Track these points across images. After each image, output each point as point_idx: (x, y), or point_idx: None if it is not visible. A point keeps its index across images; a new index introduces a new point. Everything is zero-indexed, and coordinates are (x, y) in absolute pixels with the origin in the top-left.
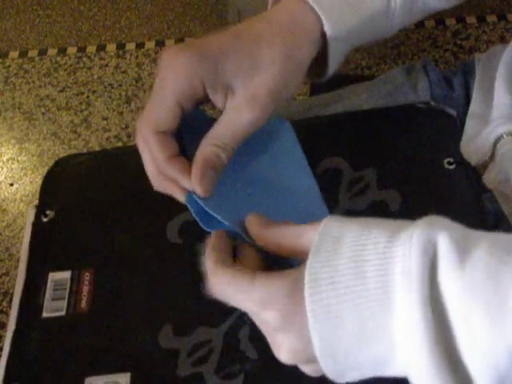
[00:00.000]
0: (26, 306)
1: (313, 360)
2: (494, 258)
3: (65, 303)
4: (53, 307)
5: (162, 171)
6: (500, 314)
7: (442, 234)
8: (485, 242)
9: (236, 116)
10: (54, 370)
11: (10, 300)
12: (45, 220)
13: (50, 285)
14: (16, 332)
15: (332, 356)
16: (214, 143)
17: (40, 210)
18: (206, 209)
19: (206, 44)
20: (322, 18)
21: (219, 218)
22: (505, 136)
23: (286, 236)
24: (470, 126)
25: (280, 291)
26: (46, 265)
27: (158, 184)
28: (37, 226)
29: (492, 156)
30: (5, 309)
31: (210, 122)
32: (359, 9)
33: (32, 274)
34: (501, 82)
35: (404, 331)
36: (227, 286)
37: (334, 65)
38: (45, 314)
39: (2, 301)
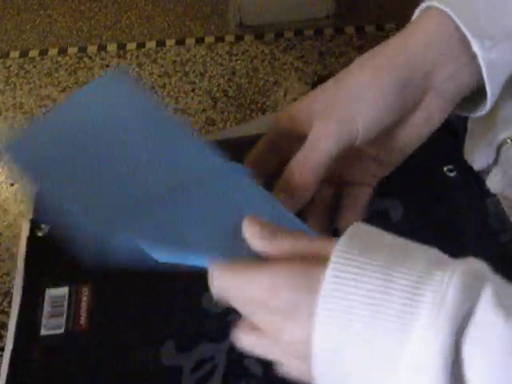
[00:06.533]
0: (23, 325)
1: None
2: None
3: (63, 320)
4: (51, 324)
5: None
6: None
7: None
8: None
9: None
10: None
11: (11, 300)
12: (39, 234)
13: (47, 301)
14: (14, 352)
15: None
16: None
17: (34, 224)
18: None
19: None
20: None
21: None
22: (509, 141)
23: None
24: (472, 128)
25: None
26: (43, 281)
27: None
28: (31, 240)
29: (496, 160)
30: (6, 309)
31: None
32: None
33: (28, 290)
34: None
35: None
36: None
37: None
38: (43, 332)
39: (3, 301)
